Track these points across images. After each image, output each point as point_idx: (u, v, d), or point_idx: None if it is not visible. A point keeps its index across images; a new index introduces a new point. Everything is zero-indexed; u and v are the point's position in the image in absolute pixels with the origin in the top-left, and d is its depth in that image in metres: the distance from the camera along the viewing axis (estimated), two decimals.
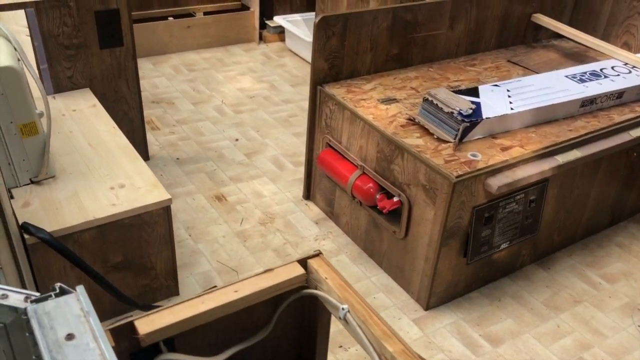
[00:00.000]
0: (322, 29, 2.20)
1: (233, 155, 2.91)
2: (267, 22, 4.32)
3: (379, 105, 2.21)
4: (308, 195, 2.61)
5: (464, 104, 2.01)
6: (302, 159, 2.91)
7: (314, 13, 4.30)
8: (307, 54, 4.01)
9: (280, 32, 4.32)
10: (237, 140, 3.05)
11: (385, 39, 2.39)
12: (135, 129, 2.67)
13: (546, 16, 2.85)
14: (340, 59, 2.32)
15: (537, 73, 2.56)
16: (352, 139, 2.20)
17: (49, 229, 1.64)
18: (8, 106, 1.70)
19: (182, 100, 3.39)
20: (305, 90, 3.63)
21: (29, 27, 2.23)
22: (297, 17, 4.21)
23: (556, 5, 2.91)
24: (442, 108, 2.01)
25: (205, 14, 4.21)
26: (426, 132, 2.04)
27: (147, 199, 1.82)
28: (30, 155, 1.81)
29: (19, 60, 1.74)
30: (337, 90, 2.29)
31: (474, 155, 1.93)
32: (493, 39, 2.77)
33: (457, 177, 1.81)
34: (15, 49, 1.77)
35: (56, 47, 2.31)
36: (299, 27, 4.15)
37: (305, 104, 3.46)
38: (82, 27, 2.33)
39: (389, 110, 2.17)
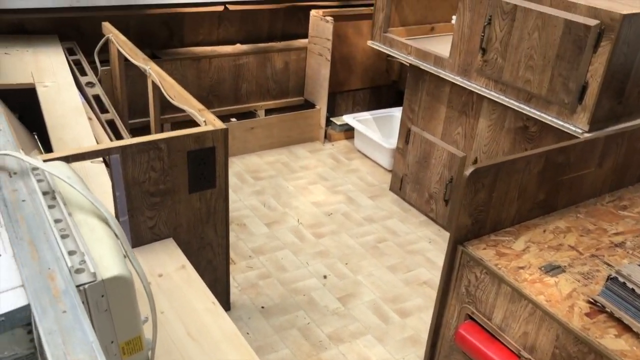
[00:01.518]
0: (471, 183, 1.79)
1: (325, 301, 2.46)
2: (332, 119, 3.96)
3: (544, 277, 1.77)
4: None
5: None
6: (406, 305, 2.46)
7: (384, 111, 3.96)
8: (379, 157, 3.63)
9: (347, 129, 3.95)
10: (325, 277, 2.61)
11: (534, 185, 1.99)
12: (218, 278, 2.24)
13: None
14: (485, 212, 1.90)
15: None
16: (512, 320, 1.76)
17: None
18: (111, 324, 1.27)
19: (253, 220, 2.97)
20: (387, 204, 3.22)
21: (112, 176, 1.83)
22: (366, 115, 3.85)
23: None
24: None
25: (267, 111, 3.85)
26: (622, 325, 1.60)
27: None
28: None
29: (125, 256, 1.32)
30: (484, 253, 1.86)
31: None
32: (638, 171, 2.37)
33: None
34: (116, 235, 1.36)
35: (140, 196, 1.90)
36: (368, 126, 3.78)
37: (391, 223, 3.04)
38: (172, 171, 1.93)
39: (560, 287, 1.73)
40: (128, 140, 1.83)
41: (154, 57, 3.46)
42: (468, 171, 1.78)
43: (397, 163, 3.27)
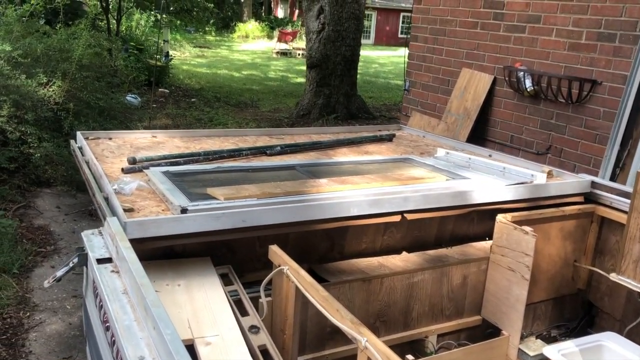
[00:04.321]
0: None
1: None
2: (521, 347, 3.14)
3: None
4: None
5: None
6: None
7: (592, 339, 3.10)
8: None
9: None
10: None
11: None
12: None
13: None
14: None
15: None
16: None
17: None
18: None
19: None
20: None
21: None
22: (571, 346, 2.99)
23: None
24: None
25: (439, 336, 3.08)
26: None
27: None
28: None
29: None
30: None
31: None
32: None
33: None
34: None
35: None
36: None
37: None
38: None
39: None
40: None
41: (312, 273, 2.81)
42: None
43: None
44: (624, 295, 3.30)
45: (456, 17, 5.87)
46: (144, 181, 2.82)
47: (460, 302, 3.11)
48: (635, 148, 3.91)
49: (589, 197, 3.37)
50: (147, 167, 3.03)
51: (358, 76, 12.98)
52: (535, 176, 3.24)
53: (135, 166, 3.05)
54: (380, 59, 25.04)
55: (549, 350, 2.96)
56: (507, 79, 5.28)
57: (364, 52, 27.52)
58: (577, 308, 3.55)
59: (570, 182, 3.30)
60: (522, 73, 5.08)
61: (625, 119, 3.97)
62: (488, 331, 3.16)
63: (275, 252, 2.42)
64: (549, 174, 3.41)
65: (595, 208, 3.34)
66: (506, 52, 5.37)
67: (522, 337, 3.31)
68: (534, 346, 3.12)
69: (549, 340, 3.37)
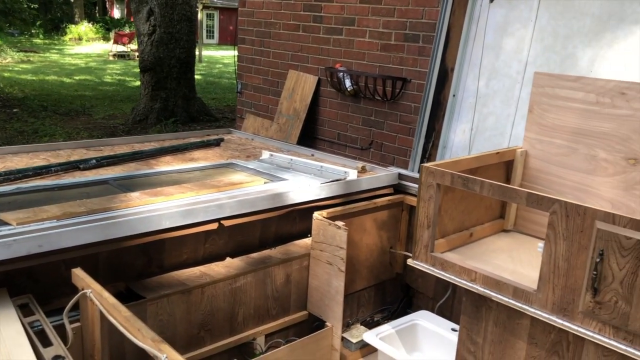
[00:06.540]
0: None
1: None
2: (345, 335, 3.31)
3: None
4: None
5: None
6: None
7: (406, 320, 3.38)
8: None
9: (363, 346, 3.30)
10: None
11: None
12: None
13: None
14: None
15: None
16: None
17: None
18: None
19: None
20: None
21: None
22: (388, 329, 3.23)
23: None
24: None
25: (267, 336, 3.15)
26: None
27: None
28: None
29: None
30: None
31: None
32: None
33: None
34: None
35: None
36: (391, 342, 3.16)
37: None
38: None
39: None
40: None
41: (128, 292, 2.72)
42: None
43: None
44: (433, 275, 3.63)
45: (279, 20, 6.02)
46: None
47: (285, 300, 3.20)
48: (439, 139, 4.32)
49: (398, 188, 3.65)
50: None
51: (201, 77, 12.75)
52: (348, 173, 3.44)
53: None
54: (224, 59, 24.85)
55: (368, 335, 3.17)
56: (329, 79, 5.52)
57: (208, 52, 27.14)
58: (397, 291, 3.84)
59: (380, 175, 3.55)
60: (342, 73, 5.35)
61: (428, 113, 4.36)
62: (315, 324, 3.30)
63: (78, 276, 2.29)
64: (362, 170, 3.65)
65: (404, 198, 3.63)
66: (327, 54, 5.62)
67: (349, 325, 3.51)
68: (357, 333, 3.31)
69: (373, 325, 3.61)
